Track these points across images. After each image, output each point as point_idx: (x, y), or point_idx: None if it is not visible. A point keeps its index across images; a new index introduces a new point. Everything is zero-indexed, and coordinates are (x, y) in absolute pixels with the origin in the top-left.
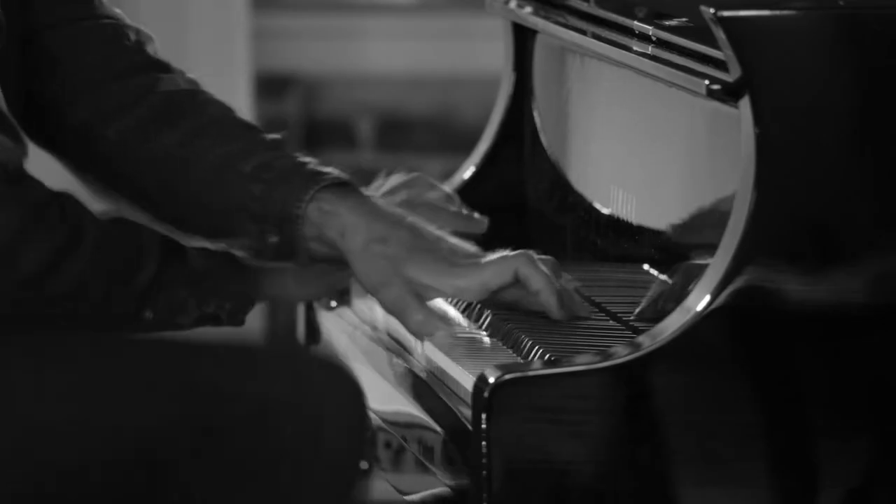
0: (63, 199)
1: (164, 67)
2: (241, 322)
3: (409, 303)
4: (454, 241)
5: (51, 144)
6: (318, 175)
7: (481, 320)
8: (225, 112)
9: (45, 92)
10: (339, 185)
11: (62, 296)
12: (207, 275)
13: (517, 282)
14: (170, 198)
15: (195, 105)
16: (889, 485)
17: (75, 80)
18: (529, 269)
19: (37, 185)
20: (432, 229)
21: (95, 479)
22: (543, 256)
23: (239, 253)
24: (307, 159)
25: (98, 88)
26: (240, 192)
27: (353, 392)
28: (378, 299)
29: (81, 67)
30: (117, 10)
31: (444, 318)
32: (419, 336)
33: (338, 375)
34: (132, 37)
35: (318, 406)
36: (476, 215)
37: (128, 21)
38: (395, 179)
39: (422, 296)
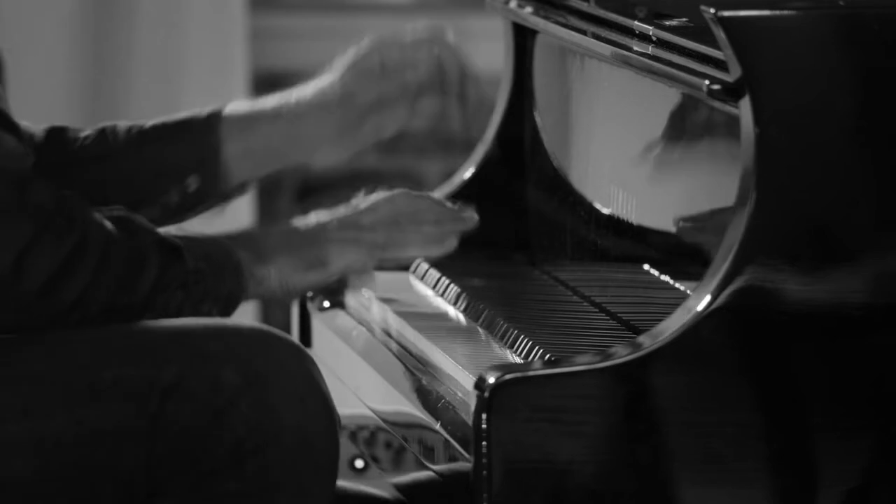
0: (69, 205)
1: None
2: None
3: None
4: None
5: None
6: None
7: (481, 319)
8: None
9: None
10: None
11: (70, 305)
12: (201, 275)
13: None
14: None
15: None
16: (889, 485)
17: None
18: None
19: (44, 190)
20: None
21: (64, 459)
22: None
23: (239, 240)
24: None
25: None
26: (153, 156)
27: (297, 355)
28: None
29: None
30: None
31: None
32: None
33: (279, 343)
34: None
35: (266, 372)
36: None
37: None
38: None
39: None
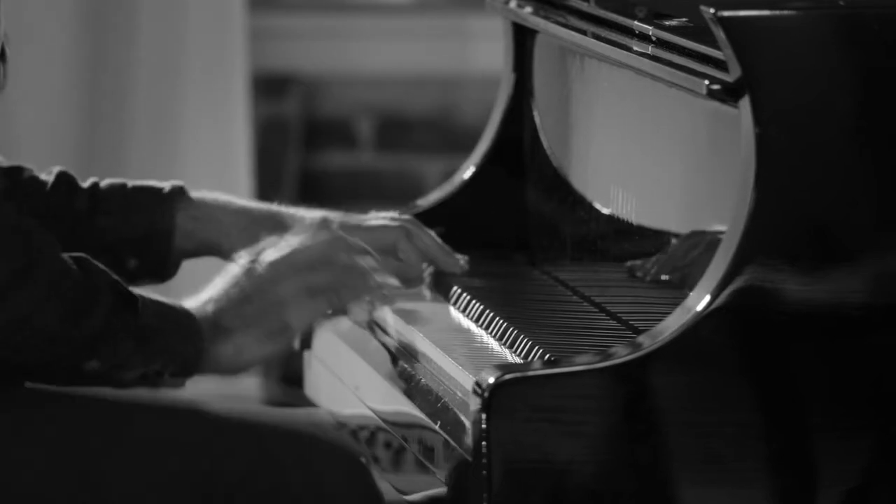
0: (29, 229)
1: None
2: (181, 385)
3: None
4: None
5: None
6: (159, 189)
7: (481, 319)
8: None
9: None
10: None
11: (14, 327)
12: (156, 332)
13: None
14: None
15: None
16: (889, 485)
17: None
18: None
19: (3, 210)
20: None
21: None
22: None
23: (198, 313)
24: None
25: None
26: (85, 235)
27: (360, 468)
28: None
29: None
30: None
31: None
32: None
33: (345, 455)
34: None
35: (324, 485)
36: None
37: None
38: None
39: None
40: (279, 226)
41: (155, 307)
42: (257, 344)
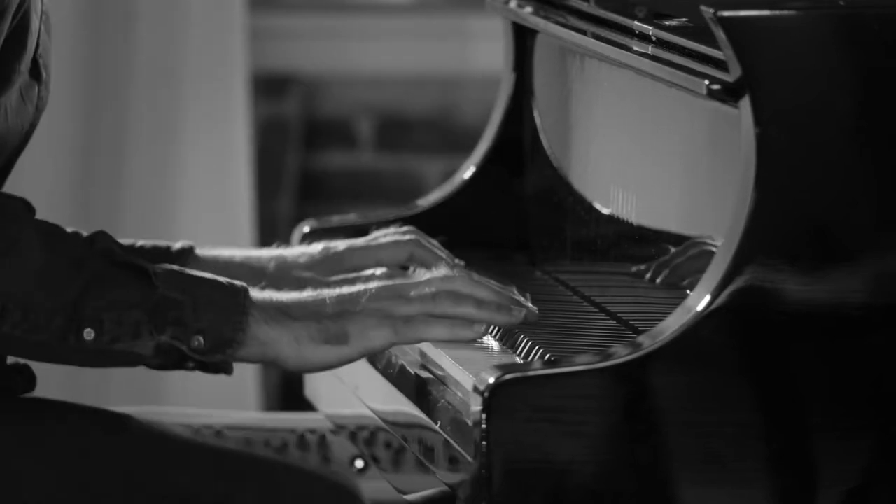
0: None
1: None
2: (218, 369)
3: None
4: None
5: None
6: (167, 248)
7: None
8: None
9: None
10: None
11: None
12: (174, 304)
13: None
14: None
15: None
16: (889, 485)
17: None
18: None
19: None
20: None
21: None
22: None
23: (260, 295)
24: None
25: None
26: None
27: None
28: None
29: None
30: None
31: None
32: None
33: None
34: None
35: None
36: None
37: None
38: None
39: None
40: (279, 270)
41: (180, 280)
42: (312, 341)
